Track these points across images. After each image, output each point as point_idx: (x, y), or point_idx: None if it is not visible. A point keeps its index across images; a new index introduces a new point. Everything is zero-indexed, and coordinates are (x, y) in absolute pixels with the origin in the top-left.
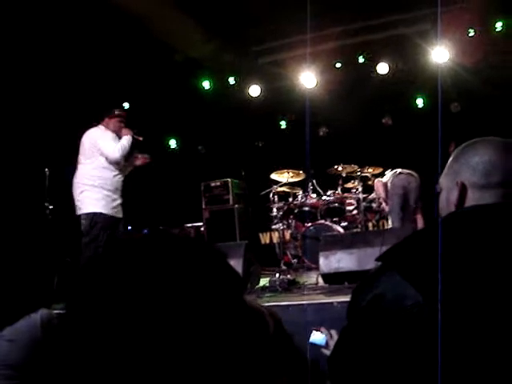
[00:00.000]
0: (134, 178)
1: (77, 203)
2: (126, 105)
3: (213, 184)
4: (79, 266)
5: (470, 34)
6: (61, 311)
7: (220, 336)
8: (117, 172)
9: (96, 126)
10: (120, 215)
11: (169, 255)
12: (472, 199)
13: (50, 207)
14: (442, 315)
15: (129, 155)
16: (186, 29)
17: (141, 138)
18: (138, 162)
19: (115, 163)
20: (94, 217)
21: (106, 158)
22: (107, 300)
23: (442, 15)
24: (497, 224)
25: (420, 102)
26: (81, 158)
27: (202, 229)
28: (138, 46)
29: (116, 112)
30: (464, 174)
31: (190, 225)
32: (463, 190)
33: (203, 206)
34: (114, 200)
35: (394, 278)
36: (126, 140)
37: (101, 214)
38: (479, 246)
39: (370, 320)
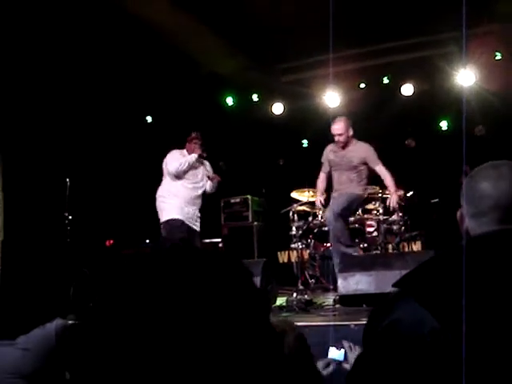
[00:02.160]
0: (153, 192)
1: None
2: (149, 118)
3: (232, 200)
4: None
5: (496, 58)
6: (76, 321)
7: (239, 353)
8: (188, 185)
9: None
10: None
11: (195, 268)
12: (471, 229)
13: (70, 217)
14: (458, 342)
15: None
16: (212, 44)
17: (205, 154)
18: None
19: (174, 176)
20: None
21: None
22: (129, 312)
23: (468, 38)
24: (492, 254)
25: (444, 125)
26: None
27: (220, 245)
28: (163, 60)
29: (193, 135)
30: (463, 206)
31: (208, 240)
32: (462, 221)
33: (222, 222)
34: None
35: (410, 304)
36: (189, 157)
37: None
38: (488, 274)
39: (385, 346)
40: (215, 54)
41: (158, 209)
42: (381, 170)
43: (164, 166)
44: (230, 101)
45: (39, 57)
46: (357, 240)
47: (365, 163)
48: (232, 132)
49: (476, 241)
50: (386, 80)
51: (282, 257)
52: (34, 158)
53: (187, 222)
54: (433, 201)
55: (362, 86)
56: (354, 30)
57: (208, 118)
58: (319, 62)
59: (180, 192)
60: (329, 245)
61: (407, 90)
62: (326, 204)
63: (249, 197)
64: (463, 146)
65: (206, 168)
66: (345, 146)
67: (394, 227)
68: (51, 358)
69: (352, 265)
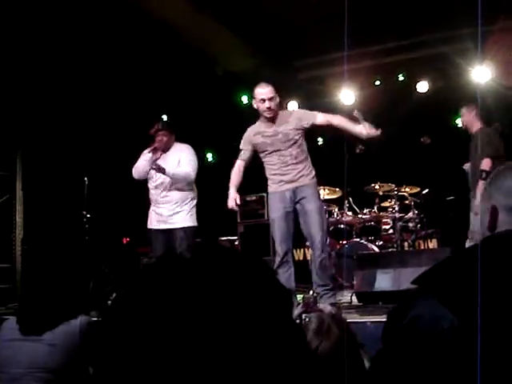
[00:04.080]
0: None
1: None
2: (165, 117)
3: (248, 198)
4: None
5: None
6: (99, 318)
7: (264, 349)
8: (152, 186)
9: None
10: (164, 226)
11: (220, 268)
12: (504, 223)
13: (88, 216)
14: (477, 339)
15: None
16: (228, 42)
17: (158, 155)
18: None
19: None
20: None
21: None
22: (153, 308)
23: (484, 34)
24: None
25: (459, 122)
26: None
27: (236, 243)
28: (179, 59)
29: (155, 127)
30: (496, 198)
31: (224, 238)
32: (495, 214)
33: (238, 220)
34: (156, 212)
35: (430, 301)
36: (140, 162)
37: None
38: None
39: (405, 343)
40: (231, 52)
41: None
42: (327, 116)
43: None
44: (245, 99)
45: (57, 56)
46: (372, 237)
47: (303, 130)
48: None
49: (500, 238)
50: (401, 77)
51: (298, 254)
52: (53, 157)
53: (161, 227)
54: (448, 198)
55: (378, 83)
56: (369, 27)
57: (223, 117)
58: (334, 59)
59: (151, 196)
60: (344, 242)
61: (423, 86)
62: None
63: (264, 194)
64: (479, 143)
65: (176, 154)
66: (274, 117)
67: (410, 225)
68: (76, 353)
69: (368, 262)
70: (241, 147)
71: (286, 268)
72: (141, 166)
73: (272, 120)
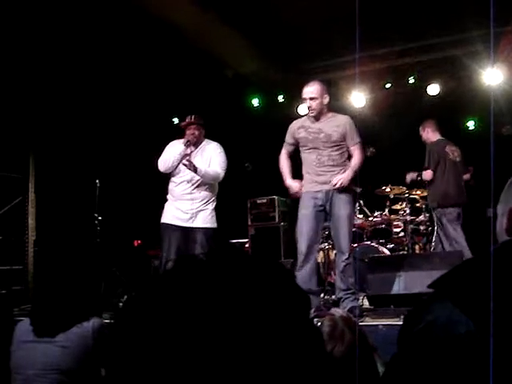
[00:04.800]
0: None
1: None
2: (176, 120)
3: (259, 201)
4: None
5: None
6: (111, 320)
7: (282, 350)
8: (177, 180)
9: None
10: (182, 224)
11: (236, 271)
12: None
13: (99, 218)
14: (494, 345)
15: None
16: (238, 46)
17: (188, 151)
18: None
19: (165, 173)
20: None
21: None
22: (167, 314)
23: (496, 36)
24: None
25: (471, 124)
26: None
27: (247, 245)
28: (189, 62)
29: (186, 120)
30: None
31: (234, 241)
32: None
33: (249, 223)
34: (177, 208)
35: (446, 305)
36: (171, 154)
37: (161, 223)
38: None
39: (421, 347)
40: (241, 55)
41: None
42: (356, 151)
43: None
44: (255, 102)
45: (70, 60)
46: (383, 240)
47: (344, 140)
48: (258, 133)
49: None
50: (412, 80)
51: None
52: (65, 160)
53: (180, 224)
54: None
55: (388, 85)
56: (379, 29)
57: (234, 119)
58: (345, 62)
59: (173, 190)
60: (355, 245)
61: (433, 89)
62: None
63: (275, 197)
64: (491, 146)
65: (207, 152)
66: (319, 116)
67: (421, 227)
68: (88, 355)
69: (380, 265)
70: (286, 139)
71: (308, 267)
72: (170, 158)
73: (318, 118)
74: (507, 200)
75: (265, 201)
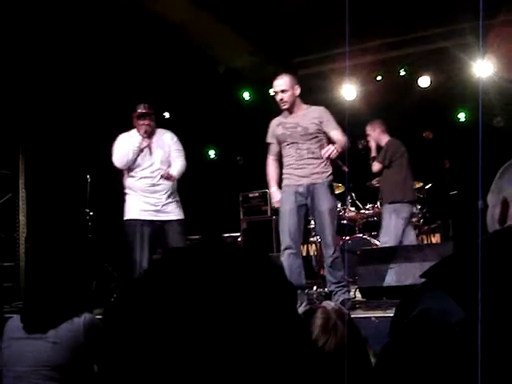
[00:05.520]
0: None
1: None
2: (167, 114)
3: (251, 195)
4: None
5: None
6: (103, 315)
7: (269, 344)
8: (139, 174)
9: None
10: (153, 217)
11: (225, 264)
12: None
13: (91, 213)
14: (484, 334)
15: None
16: (228, 40)
17: (145, 143)
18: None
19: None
20: (123, 224)
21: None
22: (157, 307)
23: (486, 28)
24: None
25: (462, 116)
26: None
27: (239, 239)
28: (180, 56)
29: (139, 110)
30: (507, 190)
31: (227, 235)
32: (505, 207)
33: (241, 217)
34: (145, 202)
35: (438, 294)
36: (128, 148)
37: (127, 220)
38: None
39: (413, 336)
40: (231, 49)
41: None
42: (337, 134)
43: None
44: (246, 95)
45: (59, 54)
46: (375, 233)
47: (322, 130)
48: (249, 127)
49: (510, 231)
50: (402, 72)
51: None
52: (55, 155)
53: (150, 218)
54: (451, 193)
55: (379, 78)
56: (369, 22)
57: (225, 113)
58: (335, 55)
59: (134, 184)
60: (347, 238)
61: (424, 81)
62: None
63: (267, 191)
64: (480, 138)
65: (165, 143)
66: (292, 109)
67: (413, 219)
68: (80, 351)
69: (372, 257)
70: (268, 141)
71: (294, 260)
72: (129, 153)
73: (292, 112)
74: (499, 190)
75: (257, 195)
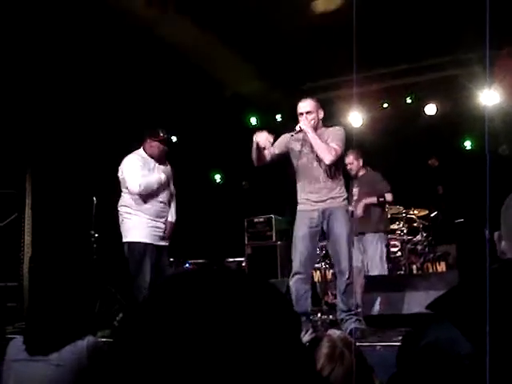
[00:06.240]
0: (177, 210)
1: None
2: (174, 138)
3: (256, 220)
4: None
5: None
6: (107, 339)
7: (273, 375)
8: (158, 200)
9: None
10: (161, 242)
11: (227, 290)
12: (505, 250)
13: (96, 235)
14: (492, 367)
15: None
16: (236, 65)
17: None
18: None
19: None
20: (129, 245)
21: (127, 189)
22: (160, 333)
23: (492, 58)
24: None
25: (468, 144)
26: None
27: (244, 264)
28: (188, 81)
29: (161, 134)
30: (502, 226)
31: (231, 260)
32: (499, 242)
33: (246, 242)
34: (155, 227)
35: (445, 326)
36: (156, 179)
37: (138, 242)
38: None
39: (420, 367)
40: (239, 75)
41: (120, 225)
42: (332, 143)
43: (121, 176)
44: (253, 121)
45: (68, 76)
46: None
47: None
48: None
49: (509, 264)
50: (409, 100)
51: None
52: (62, 176)
53: (158, 243)
54: (457, 221)
55: (386, 105)
56: (377, 50)
57: (232, 138)
58: (343, 82)
59: (146, 208)
60: None
61: (431, 109)
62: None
63: (272, 216)
64: (487, 166)
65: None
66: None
67: (419, 247)
68: (82, 374)
69: (377, 285)
70: (274, 144)
71: (302, 285)
72: (155, 185)
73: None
74: (502, 222)
75: (262, 220)
